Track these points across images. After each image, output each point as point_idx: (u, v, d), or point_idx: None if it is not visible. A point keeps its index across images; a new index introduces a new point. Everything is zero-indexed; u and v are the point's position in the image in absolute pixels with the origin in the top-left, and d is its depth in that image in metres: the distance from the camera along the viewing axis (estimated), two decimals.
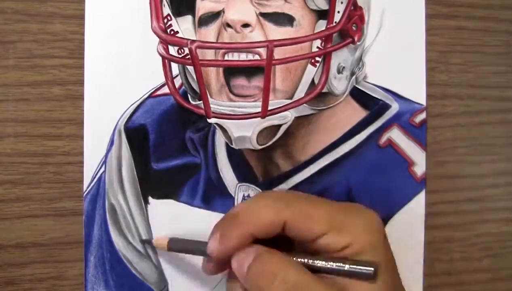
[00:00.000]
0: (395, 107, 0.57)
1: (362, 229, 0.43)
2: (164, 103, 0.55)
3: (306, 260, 0.42)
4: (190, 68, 0.53)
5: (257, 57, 0.52)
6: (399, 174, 0.57)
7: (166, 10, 0.53)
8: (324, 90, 0.53)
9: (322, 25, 0.52)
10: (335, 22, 0.52)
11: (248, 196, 0.55)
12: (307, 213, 0.43)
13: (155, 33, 0.52)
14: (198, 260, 0.53)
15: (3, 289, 0.53)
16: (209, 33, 0.53)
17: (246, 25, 0.51)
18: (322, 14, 0.52)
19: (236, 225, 0.43)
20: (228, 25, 0.52)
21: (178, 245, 0.52)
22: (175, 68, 0.54)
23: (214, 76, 0.53)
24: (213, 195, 0.55)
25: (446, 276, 0.59)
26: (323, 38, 0.52)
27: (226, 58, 0.52)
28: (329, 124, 0.56)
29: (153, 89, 0.54)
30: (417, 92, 0.57)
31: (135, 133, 0.55)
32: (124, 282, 0.55)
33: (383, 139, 0.57)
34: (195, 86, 0.54)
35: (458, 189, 0.59)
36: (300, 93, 0.53)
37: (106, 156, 0.54)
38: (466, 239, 0.60)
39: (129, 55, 0.53)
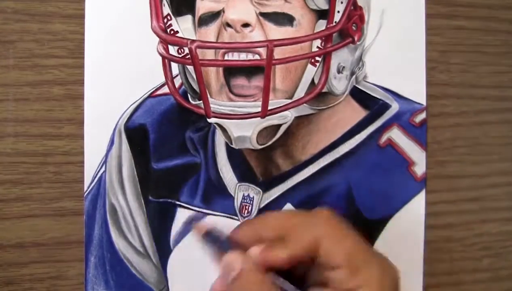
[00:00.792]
0: (395, 107, 0.57)
1: (376, 280, 0.42)
2: (164, 103, 0.55)
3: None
4: (190, 68, 0.53)
5: (257, 57, 0.52)
6: (399, 174, 0.57)
7: (166, 9, 0.53)
8: (324, 90, 0.53)
9: (322, 25, 0.52)
10: (335, 22, 0.52)
11: (248, 196, 0.55)
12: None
13: (155, 32, 0.52)
14: (200, 265, 0.54)
15: (3, 289, 0.53)
16: (209, 33, 0.53)
17: (246, 25, 0.51)
18: (322, 14, 0.52)
19: (283, 248, 0.43)
20: (228, 25, 0.51)
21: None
22: (175, 68, 0.54)
23: (214, 76, 0.53)
24: (213, 195, 0.55)
25: (446, 276, 0.59)
26: (323, 38, 0.52)
27: (226, 58, 0.52)
28: (329, 123, 0.56)
29: (153, 89, 0.54)
30: (417, 92, 0.57)
31: (135, 133, 0.55)
32: (124, 282, 0.55)
33: (383, 139, 0.57)
34: (195, 86, 0.54)
35: (458, 189, 0.59)
36: (300, 92, 0.53)
37: (106, 156, 0.54)
38: (466, 239, 0.60)
39: (129, 54, 0.54)
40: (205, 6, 0.53)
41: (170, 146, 0.55)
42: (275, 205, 0.55)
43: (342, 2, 0.52)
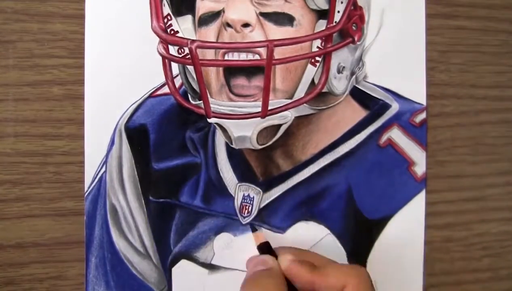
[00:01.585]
0: (395, 106, 0.57)
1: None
2: (164, 103, 0.55)
3: None
4: (190, 68, 0.53)
5: (257, 57, 0.51)
6: (399, 174, 0.57)
7: (166, 9, 0.53)
8: (324, 90, 0.53)
9: (322, 24, 0.52)
10: (335, 22, 0.52)
11: (248, 196, 0.55)
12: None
13: (155, 32, 0.52)
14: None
15: (3, 289, 0.53)
16: (209, 32, 0.53)
17: (246, 25, 0.51)
18: (322, 14, 0.52)
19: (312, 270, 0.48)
20: (228, 25, 0.51)
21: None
22: (175, 68, 0.54)
23: (214, 76, 0.53)
24: (213, 195, 0.55)
25: (446, 276, 0.59)
26: (323, 38, 0.52)
27: (226, 57, 0.52)
28: (329, 124, 0.56)
29: (153, 89, 0.54)
30: (417, 92, 0.57)
31: (135, 133, 0.55)
32: (125, 282, 0.55)
33: (383, 139, 0.57)
34: (195, 86, 0.54)
35: (458, 188, 0.59)
36: (300, 93, 0.53)
37: (106, 156, 0.54)
38: (466, 239, 0.60)
39: (129, 55, 0.54)
40: (205, 6, 0.53)
41: (170, 146, 0.55)
42: (275, 205, 0.55)
43: (342, 2, 0.52)
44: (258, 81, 0.52)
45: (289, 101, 0.52)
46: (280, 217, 0.55)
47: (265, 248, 0.52)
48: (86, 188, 0.54)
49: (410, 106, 0.57)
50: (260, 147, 0.53)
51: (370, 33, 0.56)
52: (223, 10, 0.52)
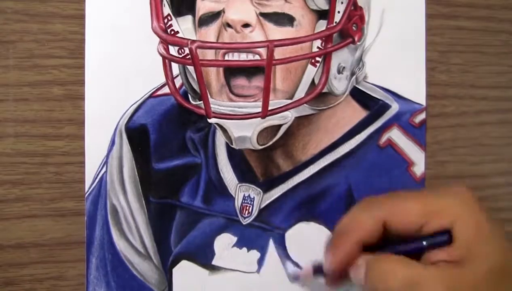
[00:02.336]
0: (395, 107, 0.57)
1: (460, 209, 0.43)
2: (164, 103, 0.55)
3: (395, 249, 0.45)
4: (191, 68, 0.53)
5: (257, 57, 0.51)
6: (399, 174, 0.57)
7: (166, 10, 0.53)
8: (324, 90, 0.53)
9: (322, 25, 0.52)
10: (335, 22, 0.52)
11: (249, 196, 0.55)
12: (401, 210, 0.44)
13: (156, 33, 0.52)
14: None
15: (3, 290, 0.53)
16: (209, 33, 0.53)
17: (246, 25, 0.51)
18: (322, 14, 0.52)
19: (344, 238, 0.45)
20: (228, 25, 0.51)
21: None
22: (175, 68, 0.54)
23: (214, 76, 0.53)
24: (214, 195, 0.55)
25: None
26: (323, 38, 0.52)
27: (226, 58, 0.52)
28: (329, 124, 0.56)
29: (154, 89, 0.54)
30: (417, 92, 0.57)
31: (136, 133, 0.55)
32: (125, 283, 0.55)
33: (383, 139, 0.57)
34: (195, 86, 0.54)
35: None
36: (301, 93, 0.53)
37: (107, 156, 0.54)
38: None
39: (130, 55, 0.54)
40: (205, 6, 0.53)
41: (170, 147, 0.55)
42: (276, 205, 0.55)
43: (342, 3, 0.52)
44: (258, 82, 0.52)
45: (289, 101, 0.52)
46: (281, 218, 0.55)
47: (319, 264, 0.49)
48: (86, 189, 0.54)
49: (410, 106, 0.57)
50: (260, 147, 0.53)
51: (370, 34, 0.56)
52: (223, 11, 0.52)
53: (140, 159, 0.55)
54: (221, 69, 0.53)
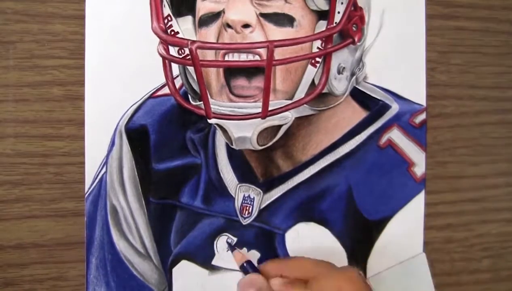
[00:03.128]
0: (395, 107, 0.57)
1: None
2: (164, 104, 0.55)
3: None
4: (191, 69, 0.53)
5: (257, 57, 0.51)
6: (399, 175, 0.57)
7: (167, 10, 0.53)
8: (325, 91, 0.53)
9: (322, 25, 0.52)
10: (335, 22, 0.52)
11: (249, 196, 0.55)
12: None
13: (156, 33, 0.52)
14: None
15: (3, 290, 0.53)
16: (210, 33, 0.53)
17: (246, 26, 0.51)
18: (322, 15, 0.52)
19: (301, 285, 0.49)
20: (229, 26, 0.51)
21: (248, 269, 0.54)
22: (175, 68, 0.54)
23: (214, 76, 0.53)
24: (214, 196, 0.55)
25: (446, 276, 0.59)
26: (323, 39, 0.52)
27: (226, 58, 0.52)
28: (330, 124, 0.56)
29: (154, 90, 0.54)
30: (417, 93, 0.58)
31: (136, 134, 0.55)
32: (125, 283, 0.55)
33: (383, 140, 0.57)
34: (195, 86, 0.54)
35: (458, 189, 0.59)
36: (301, 93, 0.53)
37: (107, 157, 0.54)
38: (466, 240, 0.60)
39: (130, 55, 0.54)
40: (205, 6, 0.53)
41: (170, 147, 0.55)
42: (276, 205, 0.55)
43: (342, 3, 0.52)
44: (258, 82, 0.52)
45: (289, 101, 0.52)
46: (281, 218, 0.55)
47: (248, 266, 0.53)
48: (86, 189, 0.54)
49: (410, 106, 0.57)
50: (260, 147, 0.53)
51: (370, 34, 0.56)
52: (223, 11, 0.52)
53: (140, 159, 0.55)
54: (221, 70, 0.53)
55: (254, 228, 0.55)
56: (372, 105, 0.57)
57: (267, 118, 0.52)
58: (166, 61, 0.53)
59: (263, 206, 0.55)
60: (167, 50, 0.53)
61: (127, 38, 0.53)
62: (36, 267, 0.53)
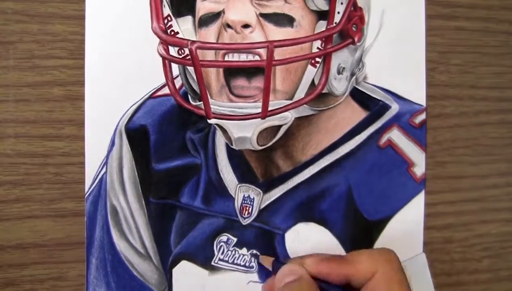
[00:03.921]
0: (395, 107, 0.57)
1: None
2: (164, 104, 0.55)
3: None
4: (191, 69, 0.53)
5: (257, 57, 0.51)
6: (399, 175, 0.57)
7: (166, 10, 0.53)
8: (324, 91, 0.53)
9: (322, 25, 0.52)
10: (335, 22, 0.52)
11: (248, 196, 0.55)
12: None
13: (155, 33, 0.52)
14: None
15: (3, 290, 0.53)
16: (209, 33, 0.53)
17: (246, 26, 0.51)
18: (322, 15, 0.52)
19: (338, 261, 0.49)
20: (228, 26, 0.51)
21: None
22: (175, 68, 0.54)
23: (214, 76, 0.53)
24: (214, 196, 0.55)
25: (446, 276, 0.59)
26: (323, 39, 0.52)
27: (226, 58, 0.52)
28: (329, 124, 0.56)
29: (154, 90, 0.54)
30: (417, 93, 0.58)
31: (136, 134, 0.55)
32: (125, 283, 0.55)
33: (383, 140, 0.57)
34: (195, 86, 0.54)
35: (458, 189, 0.59)
36: (300, 93, 0.53)
37: (107, 157, 0.54)
38: (466, 240, 0.60)
39: (130, 55, 0.54)
40: (205, 7, 0.53)
41: (170, 147, 0.55)
42: (276, 206, 0.55)
43: (342, 3, 0.52)
44: (258, 82, 0.52)
45: (289, 102, 0.52)
46: (280, 218, 0.55)
47: (280, 264, 0.52)
48: (86, 189, 0.54)
49: (410, 107, 0.57)
50: (260, 148, 0.53)
51: (370, 34, 0.56)
52: (223, 11, 0.52)
53: (140, 159, 0.55)
54: (221, 70, 0.53)
55: (254, 228, 0.55)
56: (372, 105, 0.57)
57: (267, 118, 0.52)
58: (166, 61, 0.53)
59: (263, 206, 0.55)
60: (167, 50, 0.53)
61: (127, 38, 0.53)
62: (36, 267, 0.53)
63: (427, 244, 0.58)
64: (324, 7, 0.52)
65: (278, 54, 0.51)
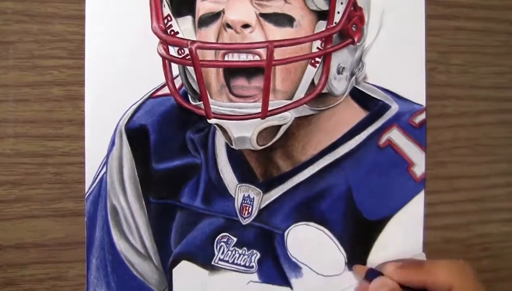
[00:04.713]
0: (394, 107, 0.57)
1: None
2: (164, 104, 0.55)
3: None
4: (190, 69, 0.53)
5: (257, 57, 0.51)
6: (399, 175, 0.57)
7: (166, 10, 0.53)
8: (324, 91, 0.53)
9: (322, 25, 0.52)
10: (335, 22, 0.52)
11: (248, 196, 0.55)
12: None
13: (155, 33, 0.52)
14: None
15: (3, 290, 0.53)
16: (209, 33, 0.53)
17: (246, 26, 0.51)
18: (322, 15, 0.52)
19: (418, 268, 0.52)
20: (228, 26, 0.51)
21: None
22: (175, 68, 0.54)
23: (214, 76, 0.53)
24: (214, 196, 0.55)
25: None
26: (323, 39, 0.52)
27: (226, 58, 0.52)
28: (329, 124, 0.56)
29: (154, 90, 0.54)
30: (417, 93, 0.58)
31: (136, 134, 0.55)
32: (126, 283, 0.55)
33: (383, 140, 0.57)
34: (195, 86, 0.54)
35: (458, 189, 0.59)
36: (300, 93, 0.53)
37: (107, 157, 0.54)
38: (466, 240, 0.60)
39: (130, 55, 0.54)
40: (205, 6, 0.53)
41: (170, 147, 0.55)
42: (275, 206, 0.55)
43: (342, 3, 0.52)
44: (258, 82, 0.52)
45: (289, 102, 0.52)
46: (280, 218, 0.55)
47: (374, 272, 0.54)
48: (86, 189, 0.54)
49: (410, 107, 0.57)
50: (260, 147, 0.53)
51: (370, 34, 0.56)
52: (223, 11, 0.52)
53: (140, 159, 0.55)
54: (221, 70, 0.53)
55: (253, 228, 0.55)
56: (371, 105, 0.57)
57: (267, 118, 0.52)
58: (166, 61, 0.53)
59: (262, 206, 0.55)
60: (167, 50, 0.53)
61: (127, 38, 0.53)
62: (36, 267, 0.53)
63: (427, 244, 0.58)
64: (324, 7, 0.52)
65: (278, 54, 0.51)
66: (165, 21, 0.53)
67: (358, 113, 0.57)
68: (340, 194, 0.56)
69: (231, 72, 0.53)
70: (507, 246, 0.61)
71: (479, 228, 0.60)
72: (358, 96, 0.56)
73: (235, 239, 0.55)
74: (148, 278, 0.55)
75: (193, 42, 0.50)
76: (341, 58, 0.53)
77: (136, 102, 0.54)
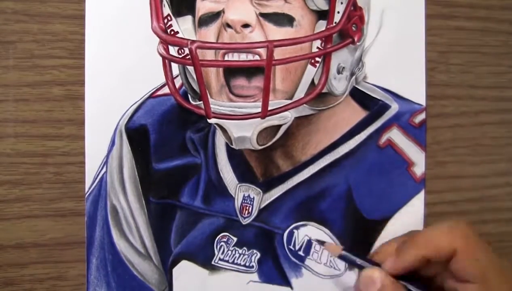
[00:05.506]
0: (394, 107, 0.57)
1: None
2: (164, 104, 0.55)
3: None
4: (190, 68, 0.53)
5: (257, 57, 0.51)
6: (399, 175, 0.57)
7: (166, 10, 0.53)
8: (324, 91, 0.53)
9: (322, 25, 0.52)
10: (335, 22, 0.52)
11: (248, 196, 0.55)
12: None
13: (155, 33, 0.52)
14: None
15: (3, 290, 0.53)
16: (209, 33, 0.53)
17: (246, 25, 0.51)
18: (322, 15, 0.52)
19: (414, 247, 0.49)
20: (228, 25, 0.51)
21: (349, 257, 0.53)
22: (175, 68, 0.54)
23: (214, 76, 0.53)
24: (214, 196, 0.55)
25: None
26: (323, 39, 0.52)
27: (226, 58, 0.52)
28: (329, 124, 0.56)
29: (154, 90, 0.54)
30: (417, 92, 0.58)
31: (136, 134, 0.55)
32: (126, 283, 0.55)
33: (383, 140, 0.57)
34: (195, 86, 0.54)
35: (458, 189, 0.59)
36: (300, 93, 0.53)
37: (107, 156, 0.54)
38: None
39: (130, 55, 0.54)
40: (205, 6, 0.53)
41: (170, 147, 0.55)
42: (276, 205, 0.55)
43: (342, 3, 0.52)
44: (258, 82, 0.52)
45: (289, 101, 0.52)
46: (280, 218, 0.55)
47: (345, 258, 0.52)
48: (86, 189, 0.54)
49: (410, 106, 0.57)
50: (260, 147, 0.53)
51: (370, 34, 0.56)
52: (223, 11, 0.52)
53: (140, 159, 0.55)
54: (220, 70, 0.53)
55: (254, 228, 0.55)
56: (371, 105, 0.57)
57: (267, 118, 0.52)
58: (166, 61, 0.53)
59: (262, 206, 0.55)
60: (167, 50, 0.53)
61: (127, 38, 0.54)
62: (36, 266, 0.54)
63: None
64: (324, 6, 0.52)
65: (278, 53, 0.51)
66: (165, 20, 0.53)
67: (358, 113, 0.57)
68: (340, 194, 0.56)
69: (231, 72, 0.53)
70: (507, 246, 0.60)
71: (479, 228, 0.60)
72: (358, 95, 0.56)
73: (235, 239, 0.55)
74: (148, 278, 0.55)
75: (193, 41, 0.50)
76: (341, 58, 0.53)
77: (136, 102, 0.54)
